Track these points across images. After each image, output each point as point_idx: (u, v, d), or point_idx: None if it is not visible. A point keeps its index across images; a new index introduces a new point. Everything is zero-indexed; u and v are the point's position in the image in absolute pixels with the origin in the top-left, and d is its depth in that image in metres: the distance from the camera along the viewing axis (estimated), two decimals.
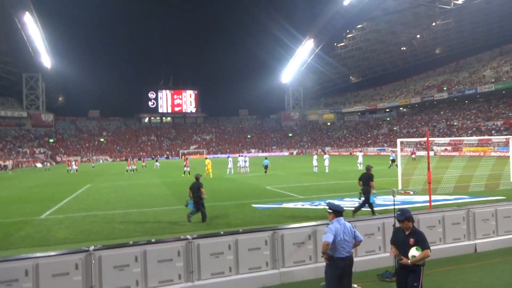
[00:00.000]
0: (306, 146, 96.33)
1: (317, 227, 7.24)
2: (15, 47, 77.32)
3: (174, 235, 10.15)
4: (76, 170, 43.54)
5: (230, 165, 32.31)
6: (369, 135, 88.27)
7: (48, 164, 58.41)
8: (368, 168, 12.69)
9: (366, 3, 72.59)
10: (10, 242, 10.12)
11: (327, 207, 5.52)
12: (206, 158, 32.61)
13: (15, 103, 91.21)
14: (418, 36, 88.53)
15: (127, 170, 39.25)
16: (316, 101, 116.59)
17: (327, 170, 30.50)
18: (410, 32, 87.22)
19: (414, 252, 4.93)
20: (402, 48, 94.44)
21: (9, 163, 58.92)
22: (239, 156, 36.48)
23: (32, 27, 72.51)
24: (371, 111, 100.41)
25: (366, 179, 12.18)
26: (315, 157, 32.17)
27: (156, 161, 48.96)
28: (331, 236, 5.10)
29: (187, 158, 38.36)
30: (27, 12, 68.71)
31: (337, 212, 5.40)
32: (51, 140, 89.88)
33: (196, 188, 12.05)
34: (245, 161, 33.66)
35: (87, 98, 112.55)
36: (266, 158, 32.89)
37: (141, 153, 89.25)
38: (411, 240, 5.00)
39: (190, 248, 6.43)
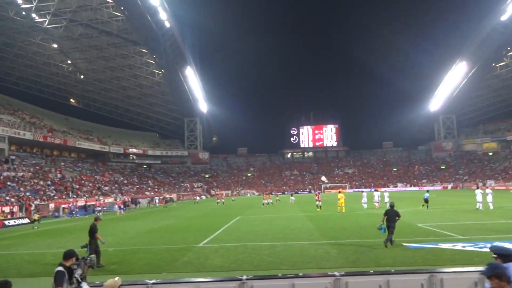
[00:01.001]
0: (463, 179, 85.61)
1: None
2: (179, 96, 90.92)
3: (320, 270, 10.01)
4: (223, 203, 47.67)
5: (364, 199, 31.59)
6: None
7: (197, 198, 65.48)
8: None
9: None
10: (176, 267, 11.43)
11: (492, 251, 4.73)
12: (339, 192, 32.07)
13: (179, 144, 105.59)
14: None
15: (263, 204, 41.33)
16: (473, 129, 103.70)
17: (491, 207, 26.24)
18: None
19: None
20: None
21: (174, 196, 67.54)
22: (375, 190, 34.84)
23: (192, 79, 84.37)
24: None
25: None
26: (478, 191, 27.79)
27: (292, 195, 50.21)
28: None
29: (319, 193, 38.55)
30: (188, 67, 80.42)
31: (506, 256, 4.54)
32: (207, 176, 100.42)
33: (393, 215, 13.75)
34: (382, 196, 32.14)
35: (236, 137, 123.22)
36: (427, 191, 30.52)
37: (285, 187, 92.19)
38: None
39: (338, 285, 6.24)
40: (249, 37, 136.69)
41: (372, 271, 6.78)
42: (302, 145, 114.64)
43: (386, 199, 31.58)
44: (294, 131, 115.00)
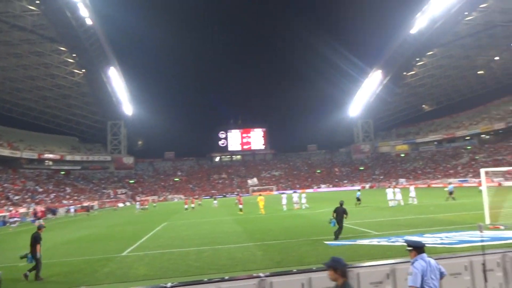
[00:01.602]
0: (379, 179, 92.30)
1: (396, 265, 6.80)
2: (101, 98, 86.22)
3: (247, 272, 10.11)
4: (144, 209, 46.60)
5: (284, 201, 32.64)
6: (448, 166, 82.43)
7: (119, 205, 62.57)
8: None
9: (436, 29, 70.27)
10: (96, 278, 10.80)
11: (406, 244, 5.16)
12: (259, 195, 33.07)
13: (101, 149, 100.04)
14: (496, 58, 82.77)
15: (185, 209, 40.84)
16: (387, 133, 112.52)
17: (390, 204, 28.99)
18: (487, 55, 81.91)
19: None
20: (479, 72, 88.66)
21: (96, 203, 63.82)
22: (294, 192, 36.34)
23: (115, 80, 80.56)
24: (449, 140, 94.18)
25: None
26: (389, 190, 30.53)
27: (215, 199, 50.31)
28: (418, 278, 4.70)
29: (241, 196, 39.14)
30: (112, 67, 76.66)
31: (419, 248, 5.03)
32: (132, 181, 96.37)
33: (340, 212, 15.17)
34: (301, 197, 33.37)
35: (163, 141, 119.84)
36: (359, 190, 32.84)
37: (213, 191, 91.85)
38: None
39: (263, 286, 6.35)
40: (177, 40, 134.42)
41: (295, 270, 7.01)
42: (230, 149, 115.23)
43: (303, 200, 33.02)
44: (222, 134, 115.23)
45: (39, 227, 12.58)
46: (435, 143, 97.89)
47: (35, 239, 11.82)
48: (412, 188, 32.14)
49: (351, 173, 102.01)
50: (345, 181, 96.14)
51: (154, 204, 58.51)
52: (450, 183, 40.65)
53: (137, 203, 50.93)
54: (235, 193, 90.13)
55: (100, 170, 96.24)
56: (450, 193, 31.98)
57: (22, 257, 11.09)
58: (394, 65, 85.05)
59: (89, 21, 62.16)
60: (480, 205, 18.24)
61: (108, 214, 46.13)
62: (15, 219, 37.32)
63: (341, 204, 15.60)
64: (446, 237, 13.78)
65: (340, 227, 15.01)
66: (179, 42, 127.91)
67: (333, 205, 32.29)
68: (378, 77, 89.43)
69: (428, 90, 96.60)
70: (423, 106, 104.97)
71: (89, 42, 67.77)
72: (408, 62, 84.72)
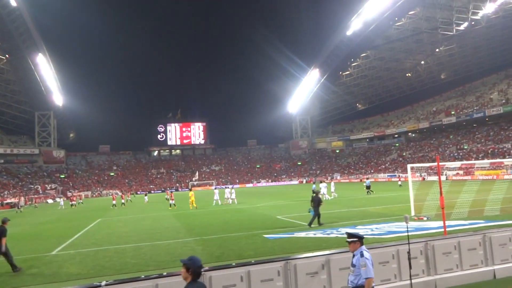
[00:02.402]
0: (316, 174, 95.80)
1: (330, 256, 7.14)
2: (28, 86, 79.95)
3: None
4: (73, 206, 44.25)
5: (216, 196, 33.13)
6: (379, 161, 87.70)
7: (37, 202, 58.16)
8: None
9: (369, 32, 74.10)
10: (22, 280, 10.08)
11: (348, 236, 5.25)
12: (190, 190, 33.63)
13: (28, 141, 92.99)
14: (422, 62, 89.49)
15: (113, 205, 39.43)
16: (324, 129, 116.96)
17: (336, 196, 30.87)
18: (414, 59, 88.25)
19: None
20: (407, 75, 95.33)
21: (21, 200, 59.29)
22: (226, 187, 37.19)
23: (44, 67, 75.12)
24: (380, 137, 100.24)
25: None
26: (322, 185, 32.07)
27: (146, 195, 49.91)
28: (372, 269, 4.88)
29: (172, 192, 39.11)
30: (40, 53, 71.32)
31: (362, 239, 5.20)
32: (62, 176, 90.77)
33: (316, 201, 16.75)
34: (231, 193, 34.07)
35: (97, 134, 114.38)
36: (367, 179, 36.72)
37: (151, 186, 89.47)
38: None
39: (202, 280, 6.35)
40: (114, 29, 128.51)
41: (234, 264, 7.09)
42: (169, 143, 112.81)
43: (232, 195, 33.75)
44: (161, 128, 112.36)
45: (4, 221, 11.97)
46: (367, 140, 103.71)
47: (1, 233, 11.39)
48: (332, 183, 34.96)
49: (290, 168, 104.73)
50: (284, 176, 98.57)
51: (80, 200, 54.58)
52: (368, 178, 44.91)
53: (60, 199, 47.89)
54: (173, 188, 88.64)
55: (26, 163, 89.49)
56: (367, 187, 34.76)
57: None
58: (330, 64, 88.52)
59: (13, 3, 57.28)
60: (406, 198, 19.63)
61: (35, 211, 43.10)
62: None
63: (316, 193, 17.58)
64: (376, 228, 14.71)
65: (315, 215, 16.37)
66: (115, 32, 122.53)
67: (272, 199, 33.04)
68: (316, 75, 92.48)
69: (361, 90, 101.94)
70: (357, 104, 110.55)
71: (14, 25, 62.51)
72: (344, 62, 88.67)
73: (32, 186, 79.43)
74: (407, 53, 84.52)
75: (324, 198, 30.36)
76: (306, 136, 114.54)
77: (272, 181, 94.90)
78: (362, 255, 5.02)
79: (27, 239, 18.21)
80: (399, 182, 44.16)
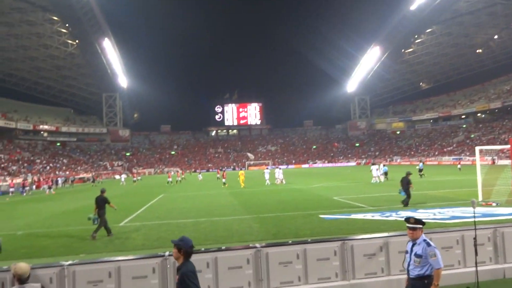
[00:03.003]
0: (374, 155, 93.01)
1: (389, 239, 6.96)
2: (96, 69, 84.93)
3: (244, 243, 10.32)
4: (134, 182, 47.60)
5: (267, 176, 33.73)
6: (443, 144, 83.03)
7: (101, 178, 61.42)
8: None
9: (435, 6, 69.22)
10: (95, 247, 11.00)
11: (414, 222, 4.87)
12: (240, 170, 34.48)
13: (97, 121, 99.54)
14: (496, 36, 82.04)
15: (168, 182, 41.72)
16: (384, 110, 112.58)
17: (372, 181, 30.03)
18: (486, 33, 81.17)
19: None
20: (477, 51, 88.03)
21: (91, 175, 64.04)
22: (277, 168, 37.96)
23: (110, 51, 79.19)
24: (445, 118, 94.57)
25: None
26: (374, 167, 31.49)
27: (199, 173, 52.16)
28: (441, 259, 4.68)
29: (224, 171, 40.53)
30: (106, 38, 75.19)
31: (423, 225, 4.90)
32: (128, 154, 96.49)
33: (405, 182, 16.47)
34: (280, 173, 34.64)
35: (159, 114, 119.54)
36: (421, 162, 37.40)
37: (209, 165, 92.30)
38: None
39: (259, 256, 6.51)
40: (173, 11, 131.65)
41: (290, 241, 7.17)
42: (226, 123, 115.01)
43: (280, 176, 34.15)
44: (218, 108, 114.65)
45: (102, 191, 13.54)
46: (431, 121, 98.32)
47: (103, 201, 12.85)
48: (381, 165, 33.39)
49: (347, 150, 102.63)
50: (341, 157, 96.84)
51: (139, 177, 56.77)
52: (421, 161, 43.53)
53: (121, 176, 51.48)
54: (230, 167, 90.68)
55: (96, 142, 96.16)
56: (420, 170, 33.80)
57: (89, 219, 12.54)
58: (392, 41, 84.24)
59: None
60: (471, 182, 18.46)
61: (104, 186, 46.39)
62: (12, 189, 37.60)
63: (407, 174, 16.85)
64: (439, 212, 14.05)
65: (408, 195, 16.14)
66: (177, 15, 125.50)
67: (328, 181, 32.59)
68: (376, 53, 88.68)
69: (426, 68, 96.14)
70: (421, 83, 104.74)
71: (83, 12, 66.15)
72: (407, 39, 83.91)
73: (101, 162, 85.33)
74: (478, 27, 77.91)
75: (374, 181, 29.87)
76: (365, 116, 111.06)
77: (328, 162, 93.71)
78: (428, 244, 4.73)
79: None
80: (459, 166, 42.63)
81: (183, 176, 51.29)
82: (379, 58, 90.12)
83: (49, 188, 37.79)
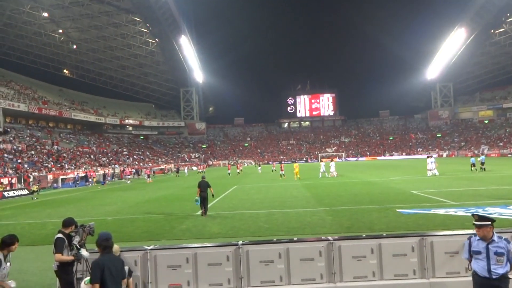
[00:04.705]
0: (458, 147, 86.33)
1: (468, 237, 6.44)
2: (174, 66, 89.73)
3: (315, 235, 10.27)
4: (198, 173, 49.83)
5: (322, 169, 34.16)
6: None
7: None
8: None
9: None
10: (174, 234, 11.69)
11: (480, 219, 4.70)
12: (294, 163, 34.63)
13: (175, 115, 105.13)
14: None
15: (228, 174, 43.46)
16: (470, 97, 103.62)
17: (428, 174, 28.61)
18: None
19: None
20: None
21: (171, 166, 67.96)
22: (330, 161, 37.31)
23: (187, 48, 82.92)
24: None
25: None
26: (429, 160, 29.92)
27: (259, 165, 53.68)
28: None
29: (281, 164, 41.14)
30: (182, 35, 78.83)
31: (493, 221, 4.70)
32: (204, 146, 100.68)
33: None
34: (333, 166, 34.20)
35: (232, 107, 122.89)
36: (482, 154, 34.00)
37: (282, 157, 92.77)
38: None
39: (331, 249, 6.41)
40: (244, 5, 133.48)
41: (364, 235, 6.97)
42: (298, 115, 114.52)
43: (332, 168, 33.75)
44: (290, 100, 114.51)
45: (203, 177, 15.84)
46: None
47: (205, 185, 15.01)
48: (432, 159, 30.54)
49: (427, 141, 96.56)
50: (420, 149, 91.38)
51: (204, 170, 59.56)
52: (482, 154, 42.11)
53: (185, 168, 55.45)
54: (303, 159, 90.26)
55: (175, 135, 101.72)
56: (481, 163, 31.87)
57: (196, 201, 14.88)
58: (480, 21, 76.98)
59: None
60: None
61: (183, 177, 48.89)
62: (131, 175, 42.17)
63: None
64: None
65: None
66: (247, 8, 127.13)
67: (406, 173, 31.01)
68: (461, 36, 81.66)
69: None
70: None
71: (161, 12, 70.01)
72: (497, 18, 76.11)
73: (180, 154, 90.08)
74: None
75: (430, 174, 28.64)
76: (448, 105, 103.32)
77: (406, 154, 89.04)
78: (508, 241, 4.57)
79: (177, 200, 20.92)
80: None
81: (241, 168, 52.20)
82: (464, 41, 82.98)
83: (148, 177, 41.47)
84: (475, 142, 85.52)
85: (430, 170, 29.04)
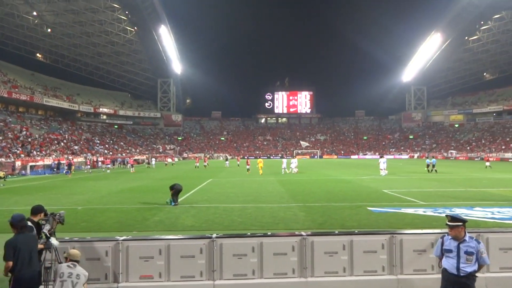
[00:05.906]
0: (429, 149, 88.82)
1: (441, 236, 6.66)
2: (152, 55, 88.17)
3: (289, 231, 10.37)
4: (172, 164, 51.42)
5: (284, 165, 35.19)
6: (507, 139, 77.51)
7: (166, 161, 64.55)
8: None
9: None
10: (147, 225, 11.56)
11: (452, 219, 4.93)
12: (258, 158, 39.67)
13: (152, 105, 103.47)
14: None
15: (196, 167, 44.60)
16: (442, 101, 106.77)
17: (382, 174, 29.88)
18: None
19: None
20: None
21: (146, 158, 66.88)
22: (291, 157, 40.75)
23: (166, 38, 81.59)
24: (510, 112, 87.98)
25: None
26: (381, 160, 31.10)
27: (226, 160, 54.20)
28: None
29: (247, 158, 42.42)
30: (162, 25, 77.50)
31: (466, 223, 4.95)
32: (180, 138, 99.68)
33: None
34: (295, 163, 35.35)
35: (210, 100, 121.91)
36: (433, 157, 38.04)
37: (257, 152, 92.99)
38: None
39: (304, 244, 6.50)
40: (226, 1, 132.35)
41: (337, 232, 7.09)
42: (276, 111, 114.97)
43: (293, 165, 34.94)
44: (269, 96, 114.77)
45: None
46: (494, 114, 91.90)
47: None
48: (384, 160, 31.77)
49: (399, 142, 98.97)
50: (392, 149, 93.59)
51: (165, 162, 59.85)
52: (433, 157, 43.13)
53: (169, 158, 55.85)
54: (278, 155, 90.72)
55: (150, 126, 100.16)
56: (432, 166, 33.70)
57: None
58: (455, 28, 79.29)
59: None
60: None
61: (157, 169, 48.29)
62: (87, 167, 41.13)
63: None
64: (498, 212, 13.22)
65: None
66: (228, 2, 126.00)
67: (378, 172, 31.72)
68: (436, 41, 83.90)
69: (491, 57, 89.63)
70: (484, 74, 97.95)
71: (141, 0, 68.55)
72: (472, 25, 78.64)
73: (155, 145, 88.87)
74: None
75: (383, 174, 29.91)
76: (421, 108, 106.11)
77: (379, 154, 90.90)
78: (478, 241, 4.86)
79: (151, 192, 20.68)
80: (487, 163, 40.06)
81: (206, 163, 52.04)
82: (439, 46, 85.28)
83: (132, 166, 42.01)
84: (445, 145, 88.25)
85: (382, 169, 30.29)
